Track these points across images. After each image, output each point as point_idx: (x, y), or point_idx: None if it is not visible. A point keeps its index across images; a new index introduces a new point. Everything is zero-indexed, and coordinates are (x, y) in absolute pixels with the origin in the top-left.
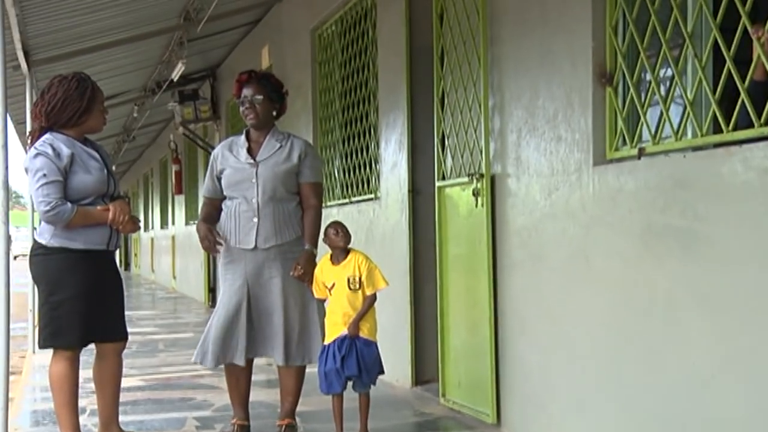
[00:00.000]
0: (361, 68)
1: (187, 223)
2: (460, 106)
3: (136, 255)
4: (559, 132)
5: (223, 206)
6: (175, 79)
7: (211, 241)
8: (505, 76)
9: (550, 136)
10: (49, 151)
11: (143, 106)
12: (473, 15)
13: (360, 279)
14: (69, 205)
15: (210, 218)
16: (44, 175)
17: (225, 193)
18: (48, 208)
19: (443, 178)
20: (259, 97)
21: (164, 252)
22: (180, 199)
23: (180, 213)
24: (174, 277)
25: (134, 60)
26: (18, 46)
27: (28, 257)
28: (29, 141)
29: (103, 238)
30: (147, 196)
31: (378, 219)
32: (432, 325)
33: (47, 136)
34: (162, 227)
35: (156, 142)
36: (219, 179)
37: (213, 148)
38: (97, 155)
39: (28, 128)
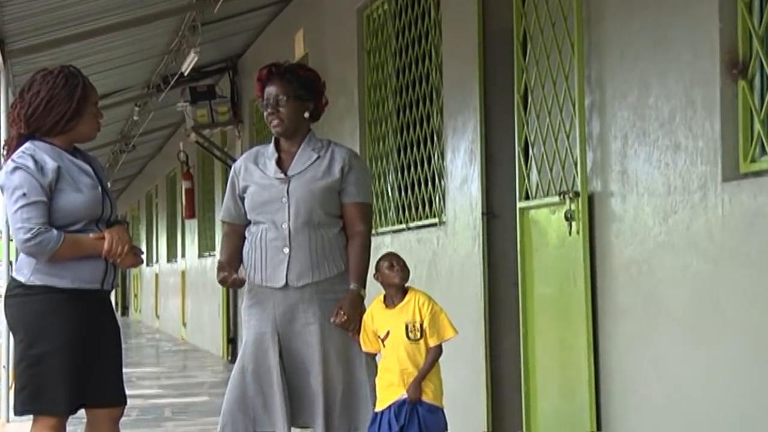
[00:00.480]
0: (421, 58)
1: (200, 255)
2: (548, 106)
3: (136, 296)
4: (677, 138)
5: (247, 233)
6: (185, 73)
7: (227, 273)
8: (606, 68)
9: (665, 144)
10: (30, 164)
11: (146, 107)
12: None
13: (421, 326)
14: (54, 232)
15: (235, 255)
16: (23, 194)
17: (249, 217)
18: (28, 236)
19: (527, 198)
20: (283, 96)
21: (172, 292)
22: (192, 225)
23: (192, 242)
24: (184, 324)
25: (135, 49)
26: None
27: (2, 299)
28: (5, 152)
29: (97, 275)
30: (150, 220)
31: (443, 250)
32: (514, 386)
33: (27, 145)
34: (169, 260)
35: (162, 153)
36: (242, 199)
37: (234, 159)
38: (89, 169)
39: (3, 136)
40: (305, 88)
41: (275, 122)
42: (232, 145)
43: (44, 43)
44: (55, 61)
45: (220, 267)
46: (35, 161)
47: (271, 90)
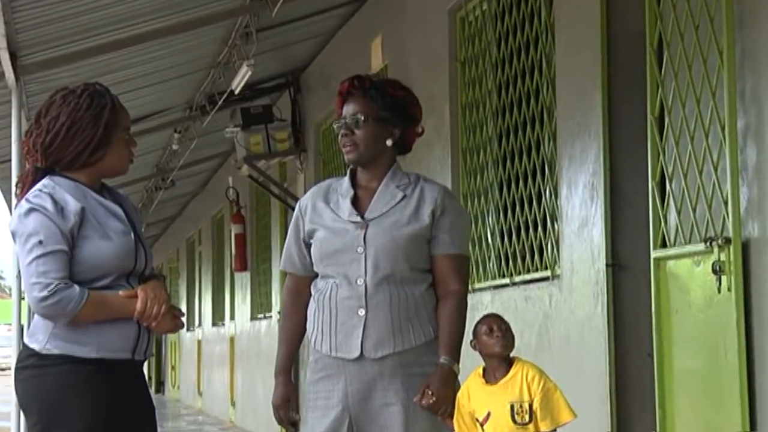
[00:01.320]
0: (528, 70)
1: (254, 317)
2: (691, 130)
3: (173, 368)
4: None
5: (313, 289)
6: (236, 91)
7: (283, 414)
8: (764, 81)
9: None
10: (49, 205)
11: (187, 134)
12: None
13: (531, 407)
14: (77, 289)
15: (298, 337)
16: (40, 242)
17: (316, 269)
18: (45, 293)
19: (663, 245)
20: (360, 116)
21: (218, 363)
22: (243, 280)
23: (243, 301)
24: (233, 404)
25: (174, 63)
26: (1, 43)
27: (12, 371)
28: (18, 190)
29: (128, 342)
30: (192, 274)
31: (557, 310)
32: None
33: (45, 182)
34: (215, 324)
35: (206, 190)
36: (308, 246)
37: (295, 198)
38: (120, 211)
39: (16, 171)
40: (392, 110)
41: (347, 147)
42: (293, 181)
43: (64, 56)
44: (78, 78)
45: (277, 374)
46: (54, 202)
47: (349, 108)
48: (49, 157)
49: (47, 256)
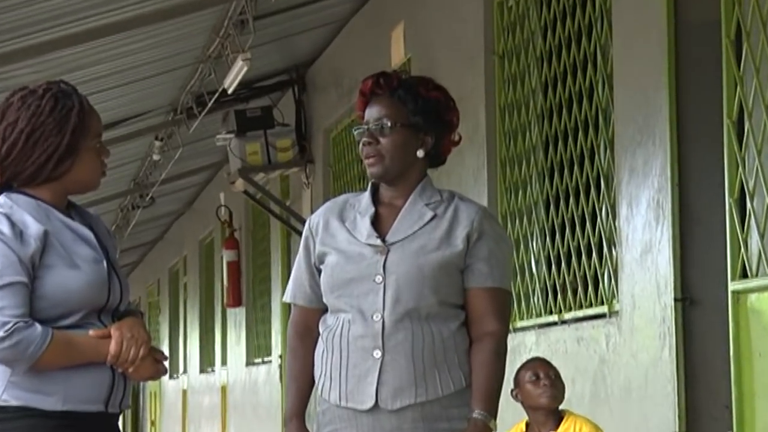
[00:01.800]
0: (581, 65)
1: (250, 362)
2: None
3: (153, 423)
4: None
5: (321, 326)
6: (230, 90)
7: None
8: None
9: None
10: (5, 228)
11: (170, 142)
12: None
13: None
14: (39, 328)
15: (309, 370)
16: None
17: (326, 301)
18: (1, 333)
19: (744, 276)
20: (387, 121)
21: (207, 418)
22: (238, 317)
23: (238, 343)
24: None
25: (155, 56)
26: None
27: None
28: None
29: (100, 391)
30: (176, 310)
31: (616, 354)
32: None
33: (1, 200)
34: (203, 370)
35: (193, 209)
36: (319, 272)
37: (300, 218)
38: (90, 235)
39: None
40: (425, 115)
41: (370, 159)
42: (297, 198)
43: (23, 50)
44: (40, 76)
45: (288, 419)
46: (12, 224)
47: (372, 111)
48: (6, 170)
49: (3, 289)
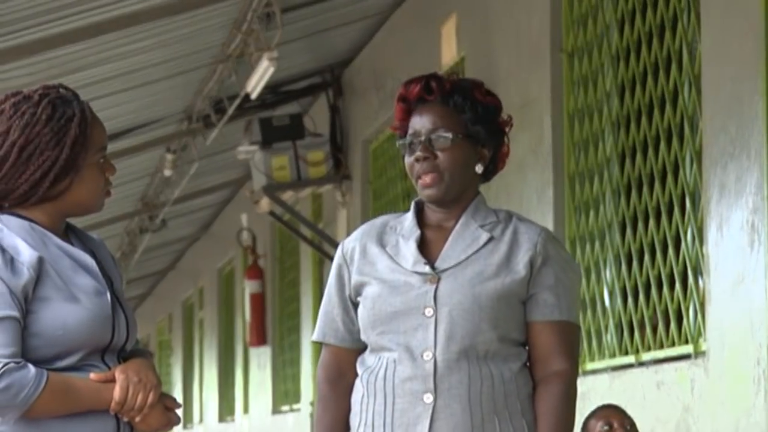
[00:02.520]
0: (663, 64)
1: (277, 410)
2: None
3: None
4: None
5: (360, 368)
6: (254, 95)
7: None
8: None
9: None
10: None
11: (184, 155)
12: None
13: None
14: (32, 370)
15: (340, 426)
16: None
17: (365, 339)
18: None
19: None
20: (447, 134)
21: None
22: (262, 357)
23: (262, 388)
24: None
25: (167, 56)
26: None
27: None
28: None
29: None
30: (190, 349)
31: (703, 401)
32: None
33: None
34: (222, 419)
35: (210, 233)
36: (355, 305)
37: (334, 243)
38: (92, 263)
39: None
40: (484, 123)
41: (428, 177)
42: (331, 219)
43: (17, 48)
44: (35, 79)
45: None
46: (2, 250)
47: (424, 121)
48: None
49: None
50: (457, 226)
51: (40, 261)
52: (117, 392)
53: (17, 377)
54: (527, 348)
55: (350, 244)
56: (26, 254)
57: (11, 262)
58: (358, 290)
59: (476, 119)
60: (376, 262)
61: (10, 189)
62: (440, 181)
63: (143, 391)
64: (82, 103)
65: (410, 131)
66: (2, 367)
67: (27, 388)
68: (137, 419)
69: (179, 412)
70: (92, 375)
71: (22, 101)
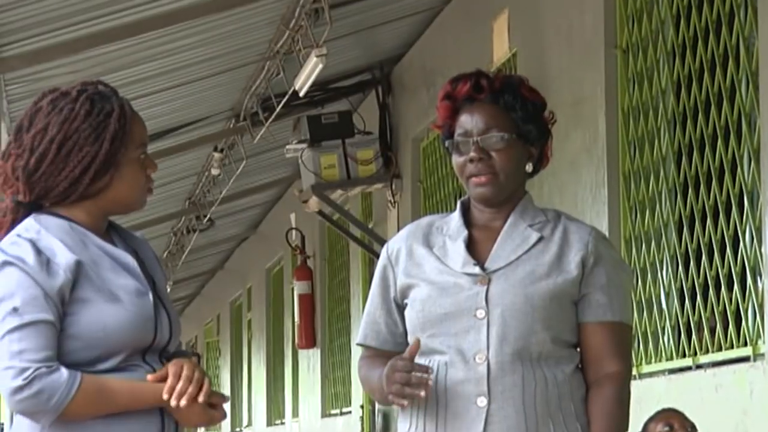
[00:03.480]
0: (720, 61)
1: (326, 414)
2: None
3: None
4: None
5: None
6: (302, 93)
7: (407, 374)
8: None
9: None
10: (29, 256)
11: (231, 154)
12: None
13: None
14: (64, 373)
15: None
16: (14, 309)
17: (411, 341)
18: (19, 382)
19: None
20: (500, 135)
21: None
22: (312, 359)
23: (312, 391)
24: None
25: (213, 53)
26: None
27: None
28: None
29: None
30: (238, 352)
31: (762, 405)
32: None
33: (28, 223)
34: (271, 422)
35: (258, 233)
36: (401, 309)
37: (385, 242)
38: (133, 263)
39: None
40: (534, 122)
41: (483, 178)
42: (381, 219)
43: (57, 46)
44: (77, 77)
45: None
46: (38, 252)
47: (476, 120)
48: (35, 186)
49: (23, 329)
50: (506, 226)
51: (78, 264)
52: (166, 388)
53: (48, 382)
54: (579, 350)
55: (395, 245)
56: (63, 256)
57: (47, 264)
58: (405, 292)
59: (526, 117)
60: (424, 263)
61: (50, 187)
62: (495, 182)
63: (193, 386)
64: (121, 99)
65: (459, 131)
66: (33, 372)
67: (59, 393)
68: (184, 418)
69: (227, 407)
70: (149, 377)
71: (59, 98)
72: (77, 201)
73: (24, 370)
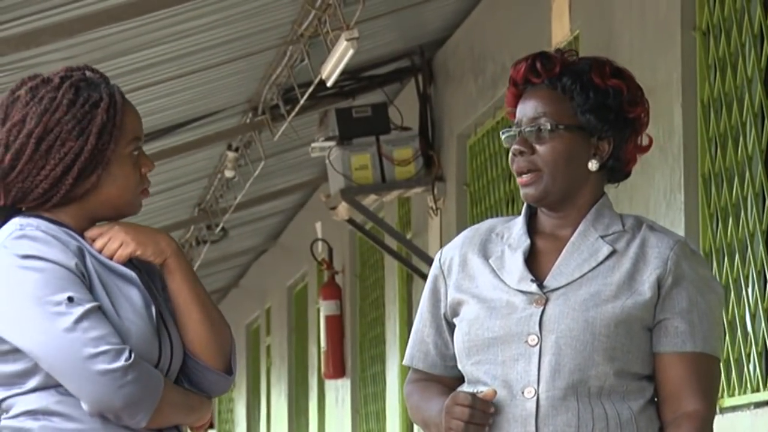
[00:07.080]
0: None
1: None
2: None
3: None
4: None
5: None
6: (330, 82)
7: (475, 411)
8: None
9: None
10: (44, 246)
11: (248, 153)
12: None
13: None
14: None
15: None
16: (69, 299)
17: (461, 367)
18: (122, 362)
19: None
20: (545, 122)
21: None
22: (341, 392)
23: (341, 426)
24: None
25: (228, 36)
26: None
27: None
28: None
29: None
30: (256, 381)
31: None
32: None
33: (19, 221)
34: None
35: (279, 244)
36: (451, 327)
37: (427, 259)
38: (134, 276)
39: None
40: (599, 112)
41: (524, 174)
42: (421, 229)
43: (52, 27)
44: (75, 62)
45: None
46: (56, 238)
47: (527, 107)
48: (11, 188)
49: (91, 316)
50: (574, 236)
51: (82, 268)
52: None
53: (145, 366)
54: (652, 383)
55: (449, 253)
56: (71, 254)
57: (65, 252)
58: (455, 309)
59: (589, 106)
60: (477, 276)
61: (28, 188)
62: (538, 179)
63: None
64: (112, 87)
65: (515, 120)
66: (131, 353)
67: (155, 378)
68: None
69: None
70: None
71: (40, 85)
72: (61, 204)
73: (121, 350)
